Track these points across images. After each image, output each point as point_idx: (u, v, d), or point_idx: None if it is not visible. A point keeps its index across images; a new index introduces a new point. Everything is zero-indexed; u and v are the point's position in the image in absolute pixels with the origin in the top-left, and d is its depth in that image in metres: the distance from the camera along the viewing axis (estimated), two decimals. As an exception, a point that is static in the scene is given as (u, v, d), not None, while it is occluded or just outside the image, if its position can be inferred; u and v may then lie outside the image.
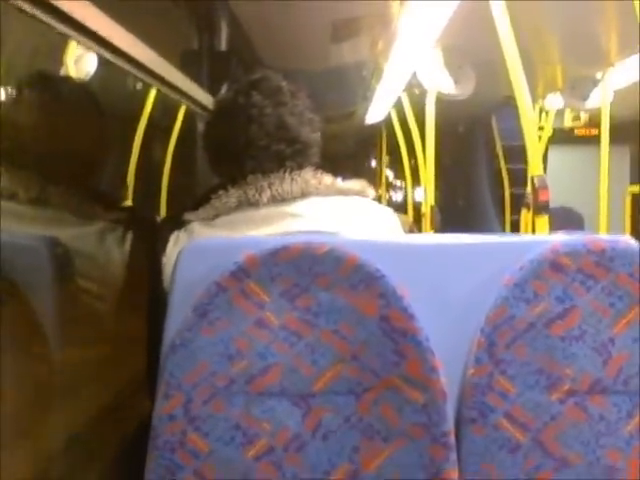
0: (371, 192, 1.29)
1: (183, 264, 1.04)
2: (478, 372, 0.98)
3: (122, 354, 1.39)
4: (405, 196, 6.60)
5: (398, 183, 8.00)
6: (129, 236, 1.42)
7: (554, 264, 1.00)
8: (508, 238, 1.16)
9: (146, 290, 1.28)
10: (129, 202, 3.50)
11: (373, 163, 8.24)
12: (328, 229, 1.18)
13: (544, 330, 0.98)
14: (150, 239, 1.44)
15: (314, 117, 1.31)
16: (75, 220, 1.37)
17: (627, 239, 1.04)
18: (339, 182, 1.26)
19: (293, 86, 1.31)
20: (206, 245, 1.08)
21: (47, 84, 1.49)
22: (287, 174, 1.22)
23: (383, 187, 7.50)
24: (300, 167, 1.24)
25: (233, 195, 1.21)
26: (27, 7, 0.95)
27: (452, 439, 0.96)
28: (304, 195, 1.21)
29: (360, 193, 1.27)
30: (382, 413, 0.96)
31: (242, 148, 1.24)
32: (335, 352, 0.97)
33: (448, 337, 1.01)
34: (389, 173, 7.84)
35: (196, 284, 0.99)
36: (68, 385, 1.17)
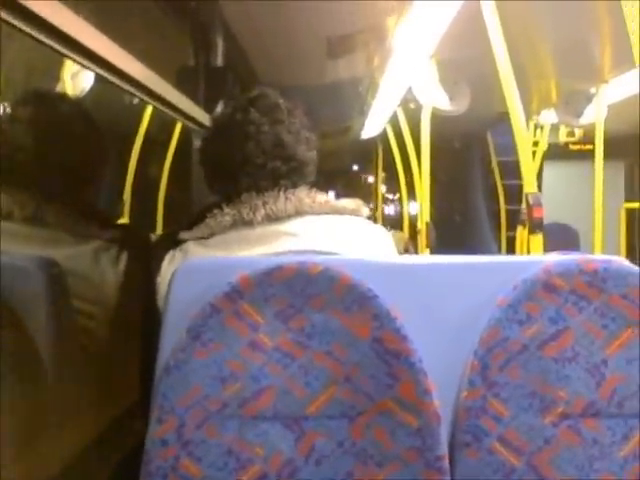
0: (365, 211, 1.30)
1: (177, 284, 1.04)
2: (472, 395, 0.98)
3: (116, 374, 1.38)
4: (401, 212, 6.61)
5: (391, 197, 8.02)
6: (124, 255, 1.41)
7: (547, 285, 1.00)
8: (501, 258, 1.16)
9: (140, 310, 1.28)
10: (125, 219, 3.49)
11: (369, 179, 8.26)
12: (323, 248, 1.18)
13: (537, 352, 0.98)
14: (145, 258, 1.44)
15: (311, 135, 1.31)
16: (70, 239, 1.37)
17: (620, 259, 1.05)
18: (333, 200, 1.26)
19: (290, 103, 1.31)
20: (200, 265, 1.08)
21: (41, 102, 1.49)
22: (281, 193, 1.22)
23: (380, 203, 7.51)
24: (295, 186, 1.25)
25: (228, 214, 1.21)
26: (24, 26, 0.95)
27: (446, 463, 0.96)
28: (298, 214, 1.21)
29: (355, 212, 1.27)
30: (376, 437, 0.96)
31: (238, 165, 1.24)
32: (328, 374, 0.97)
33: (441, 358, 1.01)
34: (384, 188, 7.85)
35: (190, 304, 0.99)
36: (62, 408, 1.16)
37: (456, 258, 1.09)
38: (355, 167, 8.44)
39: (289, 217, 1.20)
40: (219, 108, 2.47)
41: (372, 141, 6.36)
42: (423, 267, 1.09)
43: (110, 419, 1.35)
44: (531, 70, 3.37)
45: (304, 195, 1.23)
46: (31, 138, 1.39)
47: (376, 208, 7.36)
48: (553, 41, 2.99)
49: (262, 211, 1.20)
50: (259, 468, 0.95)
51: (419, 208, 4.18)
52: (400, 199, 6.23)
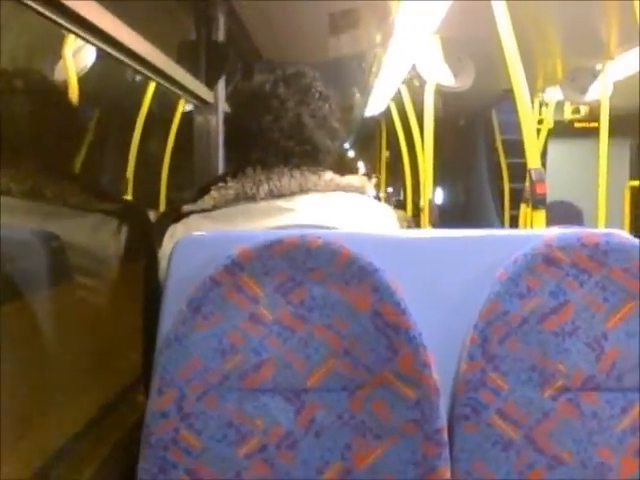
0: (370, 188, 1.29)
1: (178, 257, 1.04)
2: (471, 368, 0.98)
3: (118, 349, 1.39)
4: (403, 191, 6.60)
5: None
6: (124, 229, 1.41)
7: (548, 258, 0.99)
8: (502, 232, 1.15)
9: (141, 283, 1.28)
10: (128, 196, 3.49)
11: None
12: (324, 224, 1.18)
13: (537, 325, 0.98)
14: (145, 232, 1.44)
15: (339, 127, 1.30)
16: (69, 212, 1.36)
17: (621, 233, 1.04)
18: (338, 178, 1.25)
19: (327, 90, 1.29)
20: (201, 238, 1.08)
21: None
22: (287, 170, 1.22)
23: (382, 182, 7.49)
24: (304, 166, 1.24)
25: (231, 187, 1.21)
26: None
27: (445, 436, 0.96)
28: (302, 191, 1.21)
29: (359, 189, 1.26)
30: (375, 410, 0.96)
31: (252, 136, 1.24)
32: (328, 347, 0.97)
33: (441, 332, 1.01)
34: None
35: (191, 277, 0.99)
36: (64, 381, 1.16)
37: (457, 232, 1.08)
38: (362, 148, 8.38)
39: (293, 194, 1.20)
40: (221, 84, 2.46)
41: (376, 120, 6.32)
42: (423, 241, 1.09)
43: (112, 393, 1.36)
44: (536, 47, 3.34)
45: (310, 173, 1.23)
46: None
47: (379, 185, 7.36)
48: (558, 17, 2.95)
49: (265, 186, 1.20)
50: (259, 440, 0.96)
51: (422, 186, 4.17)
52: (403, 178, 6.21)
